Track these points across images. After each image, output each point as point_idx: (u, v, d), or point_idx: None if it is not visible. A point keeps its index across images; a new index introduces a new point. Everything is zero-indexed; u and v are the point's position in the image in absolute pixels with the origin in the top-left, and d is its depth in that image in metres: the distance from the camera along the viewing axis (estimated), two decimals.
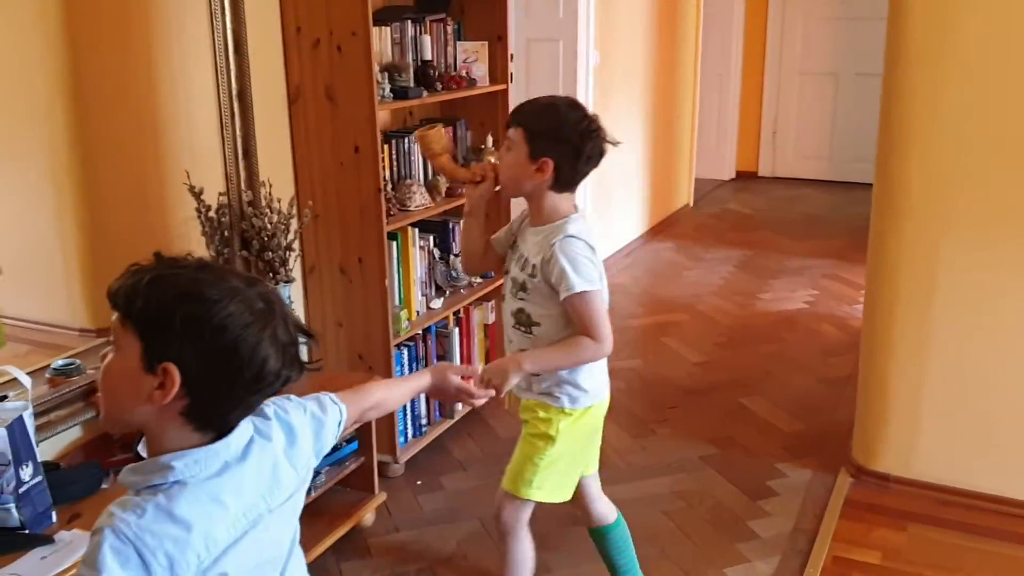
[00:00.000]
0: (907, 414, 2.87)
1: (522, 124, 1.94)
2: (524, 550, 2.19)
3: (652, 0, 5.72)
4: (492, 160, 2.16)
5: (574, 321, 1.94)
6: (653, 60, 5.83)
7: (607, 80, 5.11)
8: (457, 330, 3.29)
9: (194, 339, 1.07)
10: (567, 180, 1.96)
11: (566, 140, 1.91)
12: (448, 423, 3.27)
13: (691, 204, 6.87)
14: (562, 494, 2.12)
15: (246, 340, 1.09)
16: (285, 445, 1.24)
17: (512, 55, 3.44)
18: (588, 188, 5.02)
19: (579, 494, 2.20)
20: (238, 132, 2.56)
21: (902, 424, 2.88)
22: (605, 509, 2.28)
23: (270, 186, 2.60)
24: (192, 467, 1.11)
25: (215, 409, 1.13)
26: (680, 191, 6.72)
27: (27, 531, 1.88)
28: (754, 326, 4.44)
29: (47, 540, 1.87)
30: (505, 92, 3.38)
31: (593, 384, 2.04)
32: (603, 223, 5.31)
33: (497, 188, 2.07)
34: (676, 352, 4.12)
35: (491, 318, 3.61)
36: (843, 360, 3.87)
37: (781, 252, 5.66)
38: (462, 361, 3.33)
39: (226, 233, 2.53)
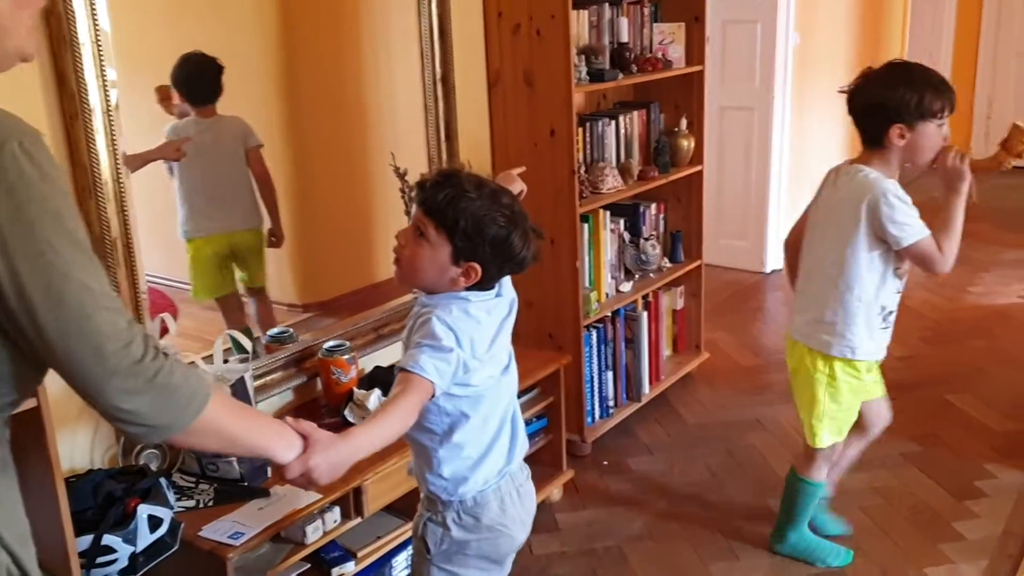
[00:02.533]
0: None
1: None
2: None
3: None
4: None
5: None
6: (857, 41, 5.55)
7: (807, 62, 4.93)
8: (646, 314, 3.29)
9: (493, 250, 1.53)
10: None
11: None
12: (635, 406, 3.27)
13: None
14: None
15: (516, 243, 1.55)
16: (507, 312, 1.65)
17: (708, 37, 3.39)
18: (785, 177, 4.87)
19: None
20: (441, 115, 2.67)
21: None
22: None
23: (470, 167, 2.70)
24: (473, 297, 1.57)
25: (489, 283, 1.59)
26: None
27: (246, 483, 2.05)
28: (963, 320, 4.17)
29: (264, 493, 2.02)
30: (701, 74, 3.34)
31: None
32: (799, 211, 5.12)
33: None
34: None
35: (680, 303, 3.58)
36: None
37: (995, 244, 5.26)
38: (650, 345, 3.31)
39: None
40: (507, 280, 1.66)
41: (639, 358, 3.26)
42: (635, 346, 3.25)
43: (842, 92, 2.18)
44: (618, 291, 3.19)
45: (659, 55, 3.23)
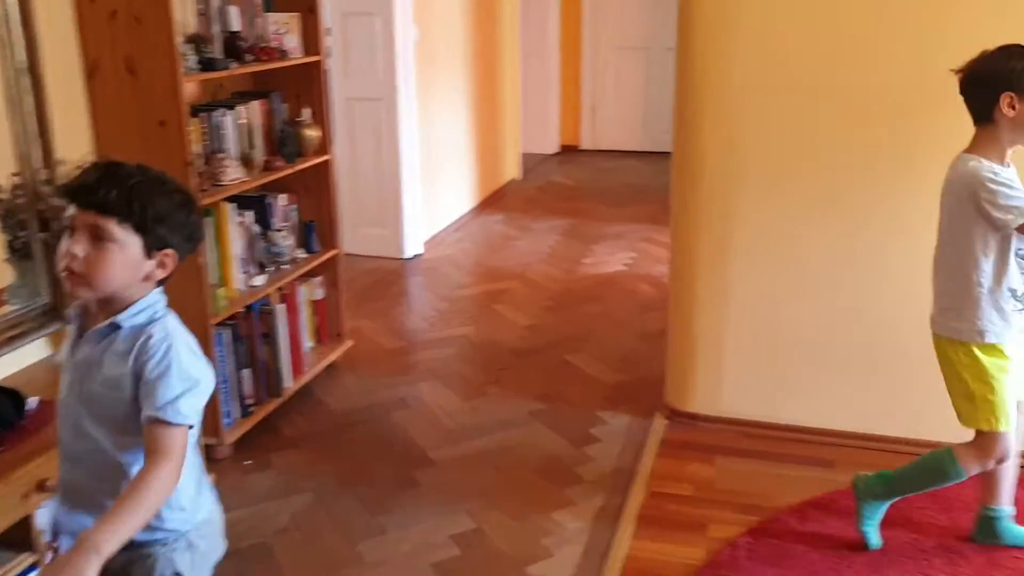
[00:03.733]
0: (712, 358, 3.09)
1: None
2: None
3: None
4: None
5: None
6: (473, 36, 5.91)
7: (428, 55, 5.16)
8: (282, 307, 3.27)
9: (182, 230, 1.46)
10: None
11: None
12: (278, 401, 3.24)
13: (519, 177, 7.03)
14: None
15: (197, 217, 1.51)
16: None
17: (329, 28, 3.42)
18: (417, 165, 5.06)
19: None
20: (30, 109, 2.44)
21: (708, 367, 3.10)
22: None
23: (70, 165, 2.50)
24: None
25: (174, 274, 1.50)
26: (508, 165, 6.86)
27: None
28: (578, 289, 4.63)
29: None
30: (319, 64, 3.37)
31: None
32: (433, 198, 5.37)
33: None
34: (506, 318, 4.25)
35: (319, 294, 3.60)
36: (658, 315, 4.09)
37: (602, 220, 5.91)
38: (291, 338, 3.30)
39: (22, 215, 2.42)
40: None
41: (277, 353, 3.23)
42: (273, 340, 3.21)
43: (956, 72, 2.15)
44: (251, 285, 3.13)
45: (275, 45, 3.21)
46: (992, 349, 2.21)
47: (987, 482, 2.42)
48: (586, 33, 7.84)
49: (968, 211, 2.13)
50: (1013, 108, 2.08)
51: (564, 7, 7.74)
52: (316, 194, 3.55)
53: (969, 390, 2.22)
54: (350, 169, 4.91)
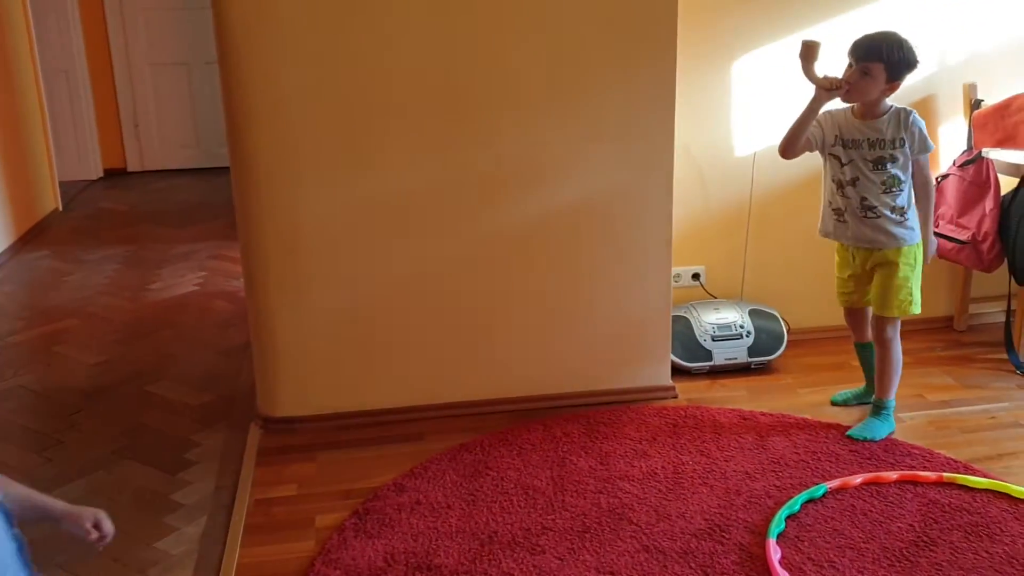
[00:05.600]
0: (296, 360, 3.20)
1: (881, 59, 2.78)
2: (900, 351, 3.08)
3: None
4: (836, 77, 2.82)
5: (917, 174, 2.94)
6: None
7: None
8: None
9: None
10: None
11: (909, 68, 2.84)
12: None
13: (60, 208, 6.49)
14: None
15: None
16: None
17: None
18: None
19: (860, 321, 3.20)
20: None
21: (294, 370, 3.21)
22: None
23: None
24: None
25: None
26: (44, 196, 6.30)
27: None
28: (149, 317, 4.46)
29: None
30: None
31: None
32: None
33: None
34: (71, 358, 3.96)
35: None
36: (239, 330, 4.11)
37: (164, 242, 5.70)
38: None
39: None
40: None
41: None
42: None
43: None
44: None
45: None
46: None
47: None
48: (115, 50, 7.41)
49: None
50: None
51: (86, 23, 7.23)
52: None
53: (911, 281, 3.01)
54: None
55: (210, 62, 7.26)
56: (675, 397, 3.40)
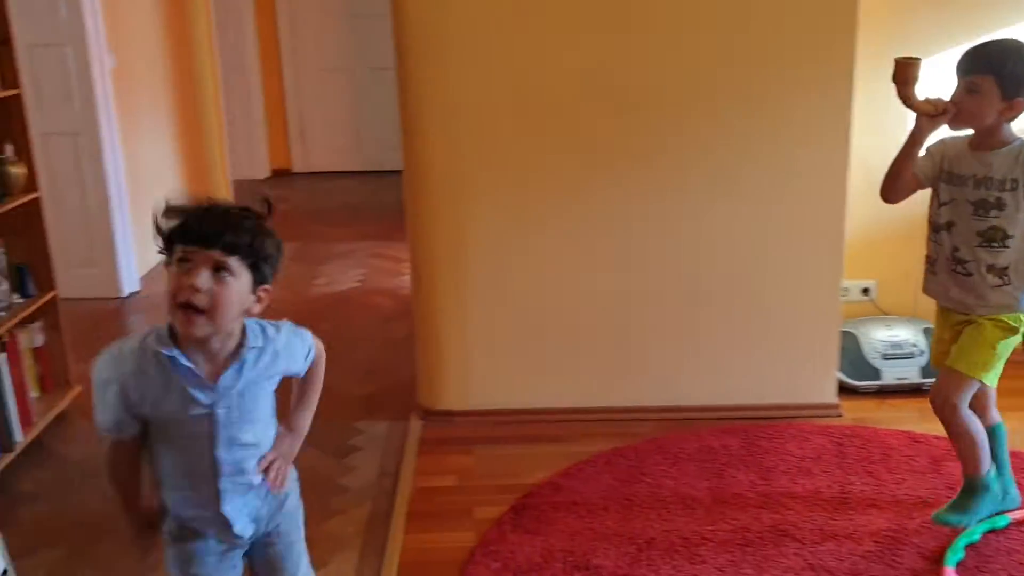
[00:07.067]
0: (459, 357, 3.29)
1: (992, 71, 2.21)
2: (976, 421, 2.43)
3: (160, 1, 5.61)
4: (941, 98, 2.29)
5: None
6: (171, 62, 5.72)
7: (127, 83, 4.94)
8: (3, 356, 3.03)
9: (276, 267, 1.59)
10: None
11: None
12: (9, 457, 3.00)
13: None
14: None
15: None
16: None
17: None
18: (125, 198, 4.83)
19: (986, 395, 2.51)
20: None
21: (456, 367, 3.30)
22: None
23: None
24: None
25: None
26: (218, 193, 6.68)
27: None
28: (315, 309, 4.66)
29: None
30: (19, 97, 3.17)
31: None
32: (144, 231, 5.13)
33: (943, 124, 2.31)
34: None
35: (39, 340, 3.37)
36: (400, 324, 4.25)
37: (327, 240, 5.96)
38: (16, 389, 3.07)
39: None
40: None
41: (5, 405, 2.99)
42: None
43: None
44: None
45: None
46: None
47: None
48: (285, 56, 7.81)
49: None
50: None
51: (261, 30, 7.66)
52: (25, 235, 3.32)
53: (1002, 344, 2.39)
54: (52, 208, 4.57)
55: (372, 68, 7.57)
56: (839, 416, 3.29)
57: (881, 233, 3.58)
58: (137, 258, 5.02)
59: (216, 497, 1.66)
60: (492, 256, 3.19)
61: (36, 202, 3.29)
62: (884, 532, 2.56)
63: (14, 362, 3.11)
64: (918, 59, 2.28)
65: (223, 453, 1.63)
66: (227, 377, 1.59)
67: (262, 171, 7.89)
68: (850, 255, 3.33)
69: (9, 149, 3.16)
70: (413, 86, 3.08)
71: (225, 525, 1.69)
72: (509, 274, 3.21)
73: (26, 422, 3.14)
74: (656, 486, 2.84)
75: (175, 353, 1.55)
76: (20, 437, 3.07)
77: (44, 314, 3.37)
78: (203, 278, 1.47)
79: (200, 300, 1.47)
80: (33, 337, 3.33)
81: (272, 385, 1.68)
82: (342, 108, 7.91)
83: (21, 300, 3.22)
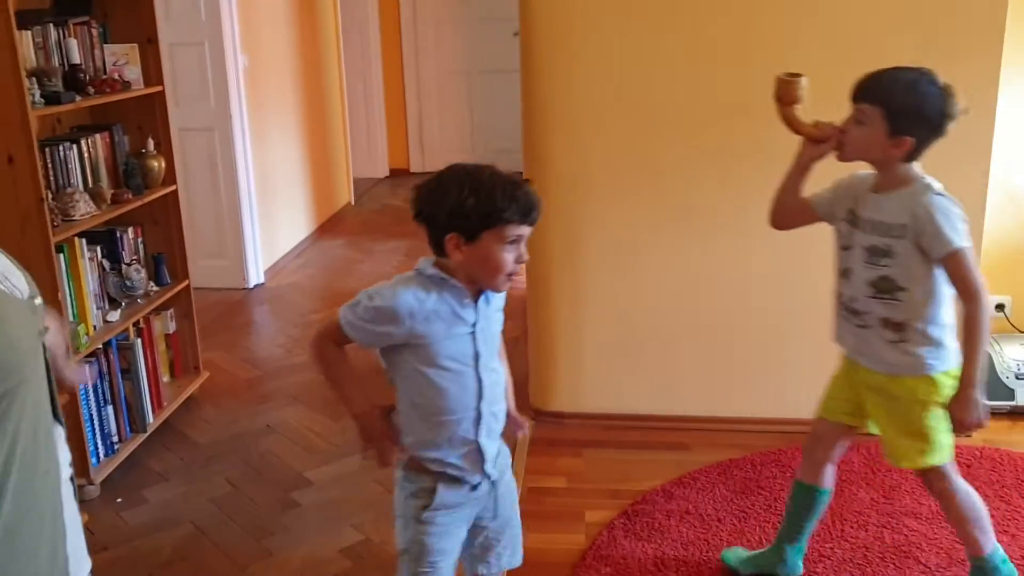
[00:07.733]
0: (571, 361, 3.28)
1: (880, 102, 1.94)
2: (972, 496, 2.18)
3: (290, 2, 5.81)
4: (832, 122, 2.05)
5: (953, 279, 1.96)
6: (300, 63, 5.92)
7: (258, 83, 5.14)
8: (139, 341, 3.20)
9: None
10: (918, 154, 1.99)
11: (927, 120, 1.94)
12: (142, 437, 3.17)
13: (352, 202, 7.06)
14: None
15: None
16: None
17: None
18: (254, 193, 5.02)
19: (827, 446, 2.30)
20: None
21: (568, 370, 3.30)
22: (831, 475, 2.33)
23: None
24: None
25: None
26: (341, 190, 6.88)
27: None
28: None
29: None
30: (161, 94, 3.33)
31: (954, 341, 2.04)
32: (271, 226, 5.33)
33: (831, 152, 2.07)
34: None
35: (172, 327, 3.54)
36: (513, 323, 4.20)
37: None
38: (148, 373, 3.23)
39: None
40: None
41: (139, 388, 3.16)
42: (133, 376, 3.14)
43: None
44: (106, 321, 3.05)
45: (116, 76, 3.15)
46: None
47: None
48: (406, 59, 7.97)
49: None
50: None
51: (384, 34, 7.84)
52: (163, 225, 3.49)
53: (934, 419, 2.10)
54: (186, 201, 4.79)
55: (486, 71, 7.65)
56: (968, 436, 3.13)
57: (1017, 248, 3.40)
58: (264, 251, 5.21)
59: (477, 423, 1.78)
60: (608, 261, 3.17)
61: (173, 195, 3.45)
62: (1016, 561, 2.42)
63: (149, 347, 3.27)
64: (800, 76, 2.03)
65: (484, 375, 1.77)
66: (480, 301, 1.76)
67: (381, 170, 8.08)
68: (984, 270, 3.14)
69: (151, 144, 3.32)
70: (538, 90, 3.10)
71: (479, 458, 1.80)
72: (623, 279, 3.19)
73: (157, 405, 3.30)
74: (772, 499, 2.77)
75: (451, 279, 1.74)
76: (152, 419, 3.23)
77: (176, 302, 3.53)
78: (523, 252, 1.73)
79: (517, 270, 1.74)
80: (167, 324, 3.50)
81: (499, 323, 1.83)
82: (457, 109, 8.01)
83: (156, 288, 3.38)
